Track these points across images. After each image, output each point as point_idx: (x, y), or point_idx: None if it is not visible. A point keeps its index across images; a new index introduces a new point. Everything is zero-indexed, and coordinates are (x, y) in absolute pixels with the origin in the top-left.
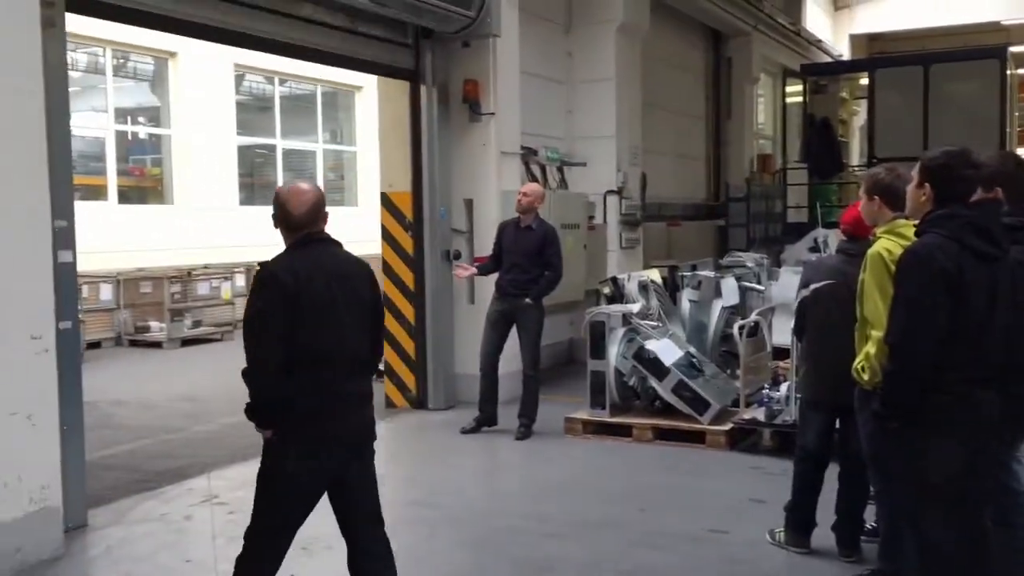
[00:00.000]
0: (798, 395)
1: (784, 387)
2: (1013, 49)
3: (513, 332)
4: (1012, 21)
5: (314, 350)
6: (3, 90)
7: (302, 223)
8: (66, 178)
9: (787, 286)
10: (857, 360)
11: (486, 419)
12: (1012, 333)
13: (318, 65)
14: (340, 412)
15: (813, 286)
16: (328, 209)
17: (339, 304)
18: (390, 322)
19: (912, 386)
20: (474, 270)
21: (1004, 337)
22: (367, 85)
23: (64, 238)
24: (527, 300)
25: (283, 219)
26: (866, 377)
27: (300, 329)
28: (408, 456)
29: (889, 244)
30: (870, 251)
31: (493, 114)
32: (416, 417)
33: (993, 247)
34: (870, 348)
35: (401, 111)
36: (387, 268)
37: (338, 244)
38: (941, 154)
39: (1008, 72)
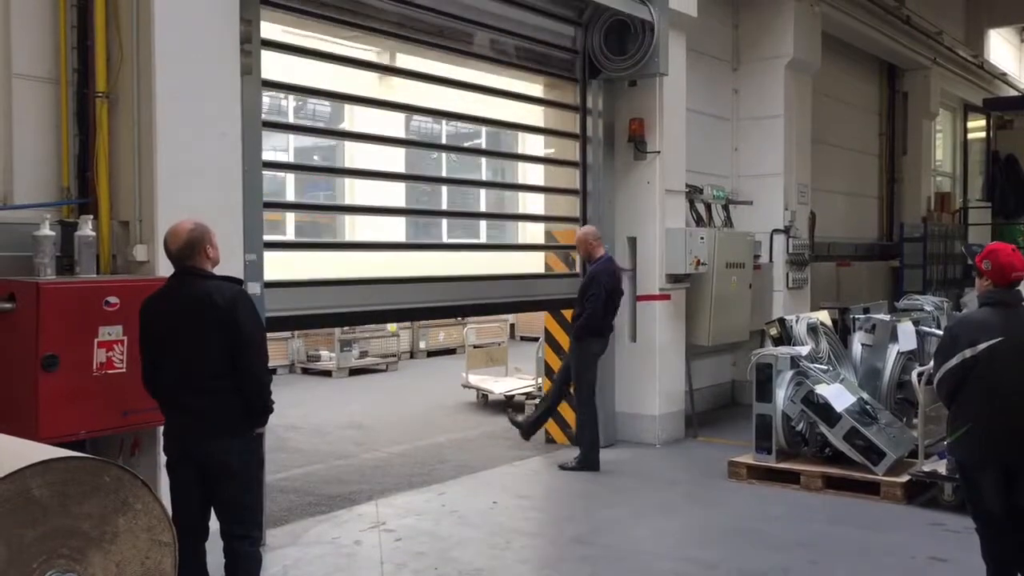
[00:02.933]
0: (953, 458)
1: None
2: None
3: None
4: None
5: (158, 371)
6: (210, 136)
7: (178, 257)
8: (257, 215)
9: None
10: None
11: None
12: None
13: (483, 104)
14: (177, 431)
15: (984, 344)
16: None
17: (180, 334)
18: (550, 358)
19: None
20: None
21: None
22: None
23: (254, 271)
24: (573, 338)
25: (166, 253)
26: None
27: (148, 351)
28: (566, 493)
29: None
30: None
31: (658, 152)
32: (575, 454)
33: None
34: None
35: (568, 148)
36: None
37: (209, 278)
38: None
39: None
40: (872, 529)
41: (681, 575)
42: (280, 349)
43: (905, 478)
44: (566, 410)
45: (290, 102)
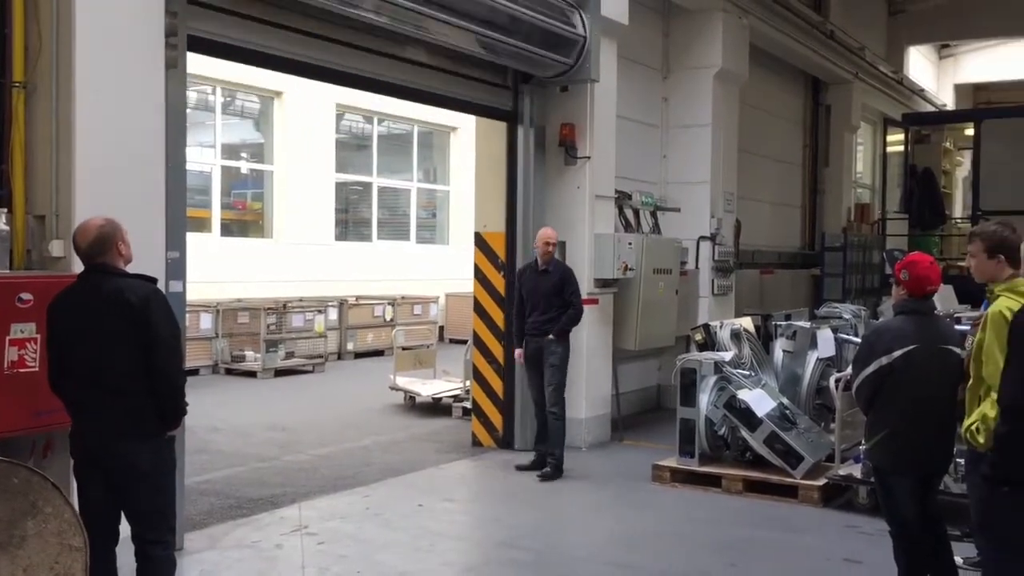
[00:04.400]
0: (870, 462)
1: None
2: None
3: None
4: None
5: (65, 370)
6: (131, 131)
7: (88, 254)
8: (180, 212)
9: None
10: (970, 421)
11: (541, 459)
12: None
13: (415, 105)
14: (85, 433)
15: (899, 352)
16: (420, 247)
17: (89, 333)
18: (478, 361)
19: (1022, 450)
20: (520, 351)
21: None
22: (462, 126)
23: (176, 269)
24: (549, 338)
25: (75, 250)
26: (981, 440)
27: (55, 350)
28: (493, 496)
29: (1010, 303)
30: (990, 310)
31: (588, 158)
32: (502, 457)
33: None
34: (988, 410)
35: (498, 152)
36: (478, 307)
37: (119, 275)
38: None
39: None
40: (789, 531)
41: None
42: (203, 349)
43: (822, 481)
44: (492, 412)
45: (218, 96)
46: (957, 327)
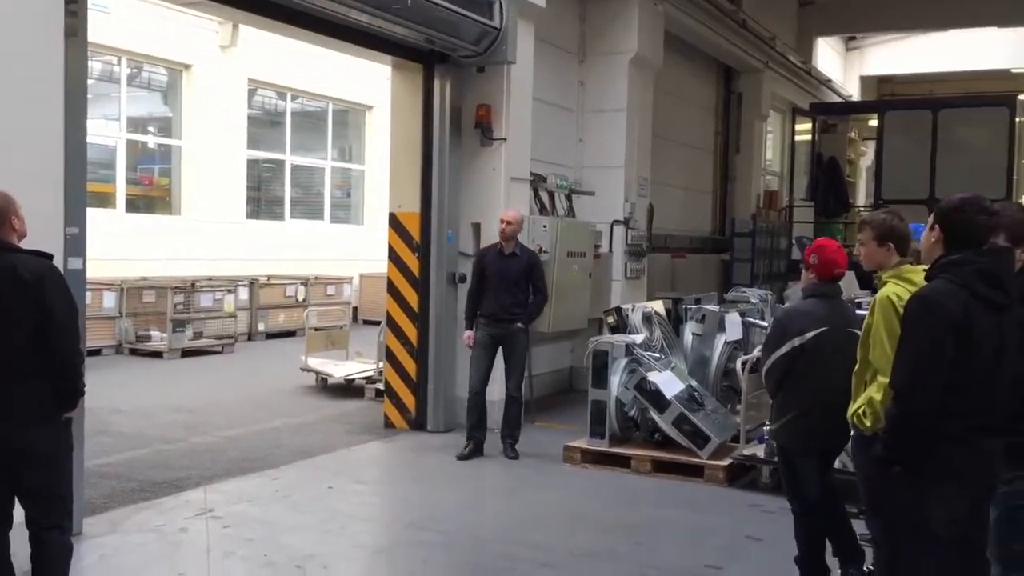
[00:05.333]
0: (775, 443)
1: None
2: (1022, 97)
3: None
4: (1022, 70)
5: None
6: (25, 98)
7: None
8: (80, 186)
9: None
10: (857, 405)
11: (478, 446)
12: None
13: (330, 82)
14: None
15: (811, 333)
16: (333, 227)
17: None
18: (392, 342)
19: (914, 432)
20: (470, 332)
21: (1013, 386)
22: (378, 105)
23: (75, 245)
24: (518, 325)
25: None
26: (868, 423)
27: None
28: (405, 478)
29: (897, 289)
30: (879, 296)
31: (504, 139)
32: (414, 438)
33: (1002, 295)
34: (875, 394)
35: (413, 132)
36: (392, 288)
37: (12, 250)
38: (957, 199)
39: (1017, 120)
40: (695, 510)
41: (513, 558)
42: (106, 328)
43: (727, 461)
44: (405, 394)
45: (123, 67)
46: (857, 311)
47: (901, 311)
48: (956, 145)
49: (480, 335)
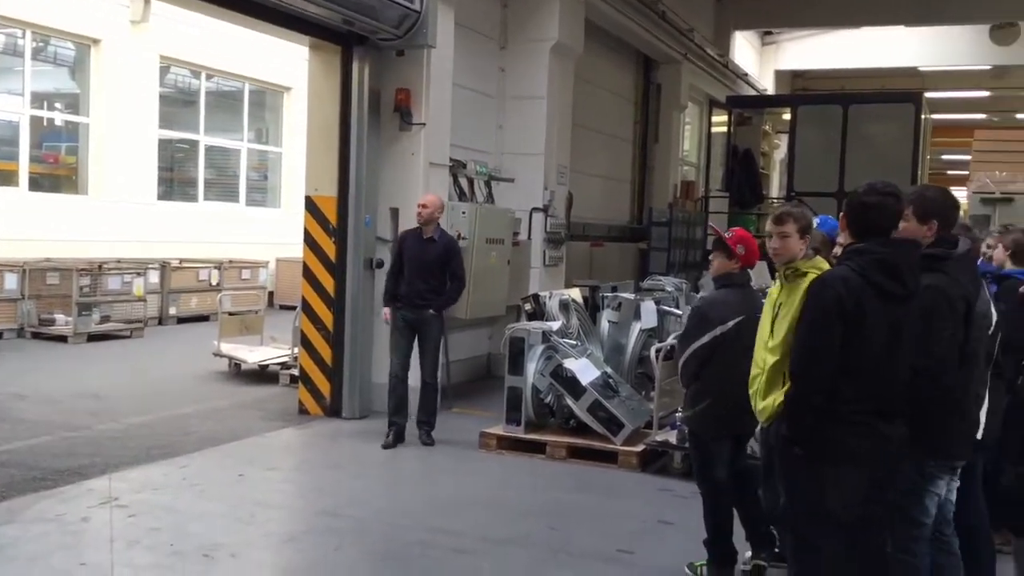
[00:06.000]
0: (688, 429)
1: None
2: (928, 95)
3: None
4: (928, 68)
5: None
6: None
7: None
8: None
9: None
10: (778, 396)
11: (399, 432)
12: (944, 368)
13: (247, 61)
14: None
15: (732, 322)
16: (250, 210)
17: None
18: (307, 327)
19: (807, 411)
20: (388, 310)
21: (909, 371)
22: (296, 87)
23: None
24: (430, 311)
25: None
26: None
27: None
28: (318, 465)
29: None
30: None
31: (424, 124)
32: (329, 425)
33: (898, 286)
34: None
35: (331, 114)
36: (308, 273)
37: None
38: (865, 186)
39: (922, 117)
40: (609, 495)
41: (427, 544)
42: (7, 311)
43: (640, 447)
44: (321, 380)
45: (28, 40)
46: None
47: None
48: (865, 139)
49: (397, 319)
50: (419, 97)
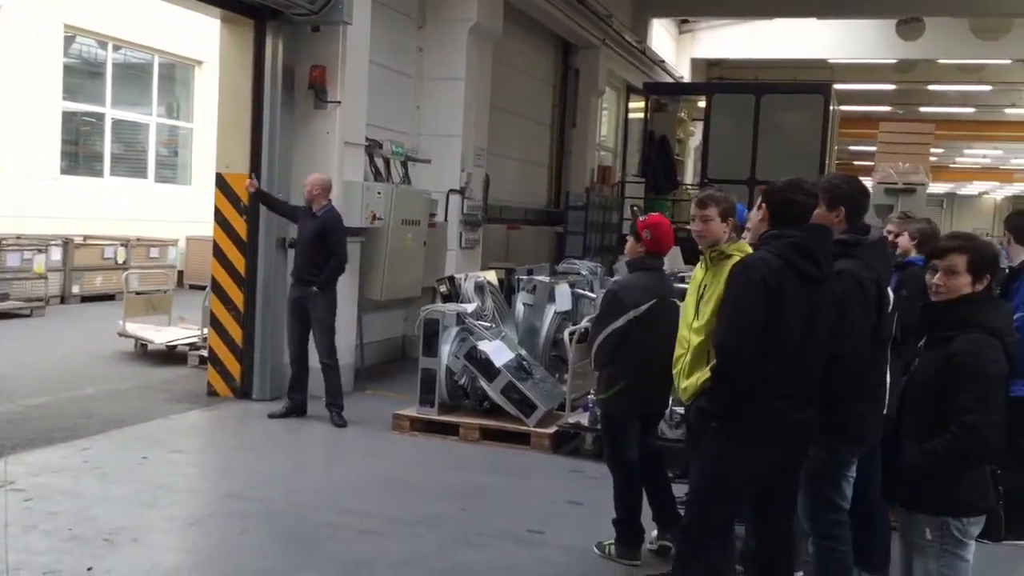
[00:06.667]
0: (601, 411)
1: None
2: (837, 86)
3: None
4: (837, 60)
5: None
6: None
7: None
8: None
9: None
10: (701, 375)
11: (295, 407)
12: (858, 353)
13: (156, 33)
14: None
15: (645, 305)
16: (159, 186)
17: None
18: (217, 308)
19: (729, 387)
20: (256, 183)
21: (825, 356)
22: (208, 60)
23: None
24: (313, 289)
25: None
26: None
27: None
28: (226, 447)
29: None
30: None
31: (339, 103)
32: (238, 407)
33: (814, 267)
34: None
35: (243, 89)
36: (218, 252)
37: None
38: (782, 183)
39: (831, 108)
40: (521, 477)
41: (335, 526)
42: None
43: (553, 429)
44: (230, 361)
45: None
46: (679, 285)
47: None
48: (776, 129)
49: (288, 297)
50: (335, 75)
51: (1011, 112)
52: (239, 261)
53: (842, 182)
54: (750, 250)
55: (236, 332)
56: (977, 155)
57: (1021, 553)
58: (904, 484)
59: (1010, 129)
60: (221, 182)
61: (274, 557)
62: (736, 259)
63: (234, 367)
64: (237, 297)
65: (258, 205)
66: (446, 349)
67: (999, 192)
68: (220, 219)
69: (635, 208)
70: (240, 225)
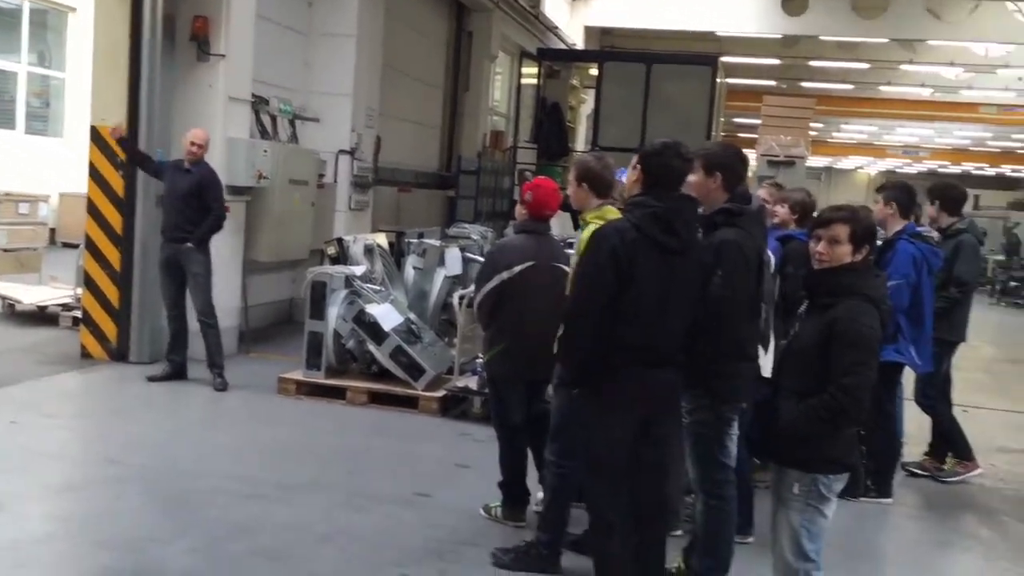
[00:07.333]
0: (486, 373)
1: None
2: (724, 59)
3: None
4: (725, 33)
5: None
6: None
7: None
8: None
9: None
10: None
11: (175, 370)
12: (737, 317)
13: None
14: None
15: (518, 267)
16: (29, 139)
17: None
18: (91, 267)
19: (575, 353)
20: (123, 132)
21: (688, 322)
22: (82, 7)
23: None
24: (188, 245)
25: None
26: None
27: None
28: (102, 411)
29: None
30: (583, 235)
31: (223, 56)
32: (114, 370)
33: (673, 239)
34: None
35: (119, 38)
36: (93, 209)
37: None
38: (659, 143)
39: (718, 80)
40: (408, 440)
41: (217, 491)
42: None
43: (441, 393)
44: (106, 322)
45: None
46: (568, 250)
47: None
48: (665, 99)
49: (159, 256)
50: (218, 26)
51: (886, 90)
52: (115, 218)
53: (719, 149)
54: (612, 216)
55: (112, 292)
56: (853, 131)
57: (885, 511)
58: (780, 443)
59: (885, 106)
60: (96, 136)
61: (152, 524)
62: (592, 227)
63: (110, 329)
64: (113, 256)
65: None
66: (334, 312)
67: (872, 167)
68: (95, 174)
69: (527, 173)
70: (116, 181)
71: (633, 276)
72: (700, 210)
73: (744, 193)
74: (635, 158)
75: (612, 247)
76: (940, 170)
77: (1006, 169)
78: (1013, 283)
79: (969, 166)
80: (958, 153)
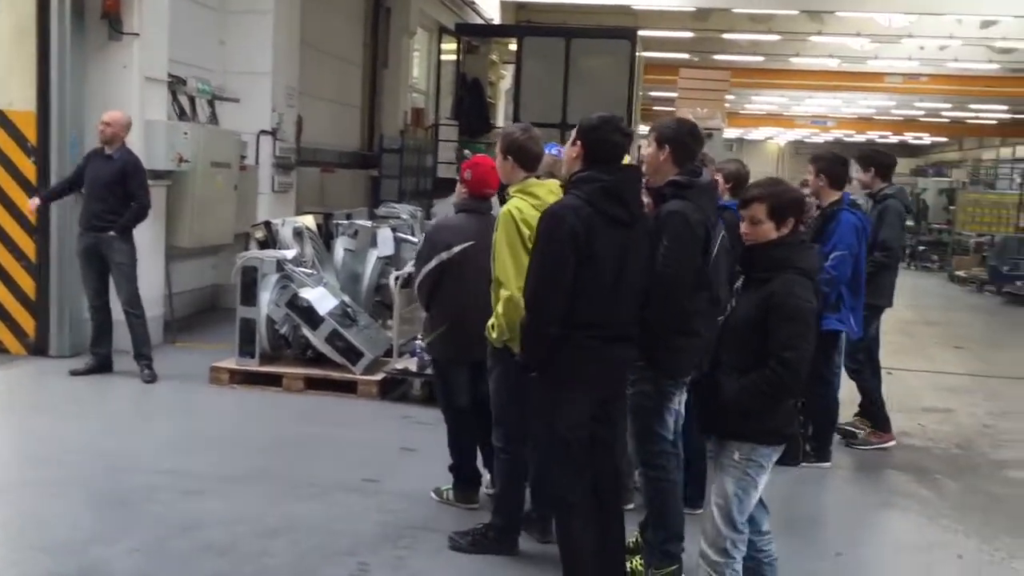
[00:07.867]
0: (429, 356)
1: None
2: (642, 33)
3: None
4: (641, 7)
5: None
6: None
7: None
8: None
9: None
10: (491, 319)
11: (99, 363)
12: (681, 290)
13: None
14: None
15: (458, 247)
16: None
17: None
18: (4, 258)
19: (541, 339)
20: (38, 201)
21: (640, 295)
22: None
23: None
24: (111, 233)
25: None
26: (494, 335)
27: None
28: (24, 408)
29: (521, 204)
30: (502, 211)
31: (137, 35)
32: (35, 365)
33: (623, 211)
34: (499, 307)
35: (25, 17)
36: (3, 197)
37: None
38: (596, 118)
39: (636, 54)
40: (349, 426)
41: (154, 487)
42: None
43: (380, 376)
44: (23, 316)
45: None
46: None
47: (522, 225)
48: (585, 73)
49: (77, 246)
50: (131, 3)
51: (796, 61)
52: (28, 207)
53: (672, 123)
54: (541, 191)
55: (28, 284)
56: (764, 102)
57: (824, 475)
58: (721, 417)
59: (794, 77)
60: (4, 120)
61: (92, 524)
62: (513, 202)
63: (27, 322)
64: (28, 247)
65: (48, 145)
66: (266, 297)
67: (782, 137)
68: (4, 161)
69: (465, 152)
70: (28, 167)
71: (591, 253)
72: (645, 181)
73: (695, 166)
74: (574, 133)
75: (571, 227)
76: (846, 139)
77: (908, 137)
78: (922, 247)
79: (874, 135)
80: (863, 122)
